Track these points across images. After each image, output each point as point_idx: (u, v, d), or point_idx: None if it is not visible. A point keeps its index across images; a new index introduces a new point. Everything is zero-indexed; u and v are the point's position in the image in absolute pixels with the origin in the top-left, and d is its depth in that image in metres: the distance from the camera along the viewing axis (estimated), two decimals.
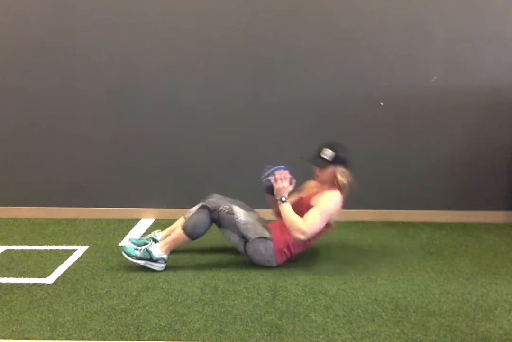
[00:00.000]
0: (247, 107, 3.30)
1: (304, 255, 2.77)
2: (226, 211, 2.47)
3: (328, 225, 2.53)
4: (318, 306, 2.14)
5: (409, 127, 3.31)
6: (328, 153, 2.51)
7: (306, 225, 2.41)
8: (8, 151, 3.41)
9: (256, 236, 2.48)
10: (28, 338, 1.89)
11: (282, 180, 2.46)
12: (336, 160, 2.51)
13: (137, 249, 2.51)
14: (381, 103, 3.26)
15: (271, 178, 2.49)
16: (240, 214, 2.50)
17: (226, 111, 3.31)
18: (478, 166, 3.34)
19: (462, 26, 3.16)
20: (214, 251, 2.67)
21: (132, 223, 3.38)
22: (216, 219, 2.47)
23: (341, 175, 2.52)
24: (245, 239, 2.48)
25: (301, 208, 2.52)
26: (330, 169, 2.53)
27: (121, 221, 3.41)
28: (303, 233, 2.42)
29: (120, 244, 2.93)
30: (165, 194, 3.44)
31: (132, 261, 2.49)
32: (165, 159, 3.40)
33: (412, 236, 3.12)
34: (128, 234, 3.13)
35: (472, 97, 3.24)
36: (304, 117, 3.29)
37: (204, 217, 2.46)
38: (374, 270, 2.56)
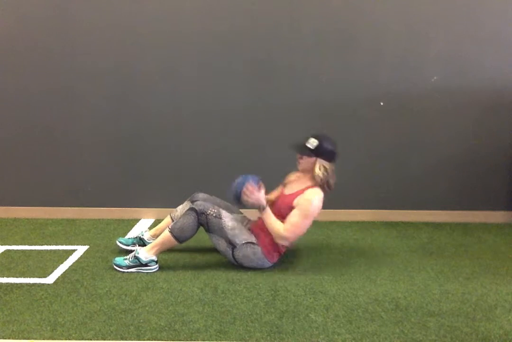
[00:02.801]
0: (247, 108, 3.30)
1: (304, 255, 2.77)
2: (214, 215, 2.46)
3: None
4: (318, 306, 2.15)
5: (409, 127, 3.31)
6: (312, 142, 2.47)
7: (289, 231, 2.41)
8: (8, 152, 3.41)
9: (243, 242, 2.48)
10: (28, 338, 1.89)
11: (250, 195, 2.41)
12: (318, 151, 2.45)
13: (126, 259, 2.52)
14: (381, 103, 3.27)
15: (242, 194, 2.42)
16: (228, 218, 2.49)
17: (226, 112, 3.31)
18: (478, 166, 3.34)
19: (462, 26, 3.16)
20: (214, 251, 2.67)
21: (132, 223, 3.38)
22: (204, 222, 2.46)
23: (319, 167, 2.45)
24: (232, 245, 2.48)
25: (283, 205, 2.50)
26: (311, 159, 2.48)
27: (121, 221, 3.41)
28: (286, 239, 2.43)
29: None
30: (165, 194, 3.44)
31: (124, 272, 2.50)
32: (165, 159, 3.40)
33: (412, 236, 3.13)
34: (128, 234, 3.13)
35: (472, 97, 3.24)
36: (304, 118, 3.29)
37: (191, 220, 2.44)
38: (374, 270, 2.56)
